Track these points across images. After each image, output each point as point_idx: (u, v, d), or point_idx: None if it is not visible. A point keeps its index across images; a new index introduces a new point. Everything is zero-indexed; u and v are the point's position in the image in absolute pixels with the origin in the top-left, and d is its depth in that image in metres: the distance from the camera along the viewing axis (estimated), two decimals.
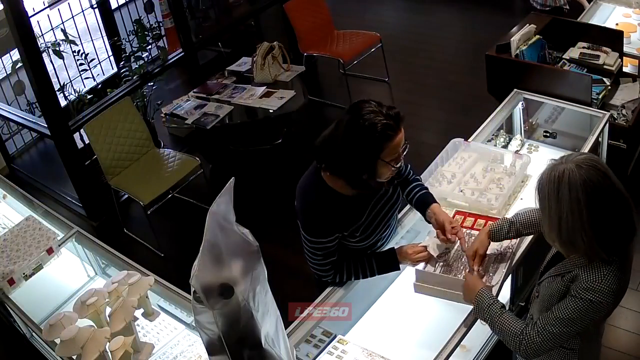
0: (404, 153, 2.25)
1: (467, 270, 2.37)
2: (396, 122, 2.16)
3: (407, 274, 2.67)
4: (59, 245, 3.08)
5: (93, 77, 5.41)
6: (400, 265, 2.49)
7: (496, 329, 2.07)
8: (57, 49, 4.98)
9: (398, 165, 2.24)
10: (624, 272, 1.88)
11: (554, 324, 1.90)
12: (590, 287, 1.83)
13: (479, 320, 2.25)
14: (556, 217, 1.79)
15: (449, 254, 2.47)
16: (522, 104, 3.58)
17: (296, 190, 2.37)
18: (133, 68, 4.86)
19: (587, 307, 1.84)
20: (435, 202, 2.53)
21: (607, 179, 1.78)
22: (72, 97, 4.92)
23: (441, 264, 2.45)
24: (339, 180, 2.27)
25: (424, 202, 2.53)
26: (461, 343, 2.33)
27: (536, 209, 2.29)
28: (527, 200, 2.91)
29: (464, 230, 2.62)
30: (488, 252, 2.43)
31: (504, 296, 2.70)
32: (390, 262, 2.47)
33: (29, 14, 4.06)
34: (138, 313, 2.56)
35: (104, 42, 5.72)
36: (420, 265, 2.45)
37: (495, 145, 3.39)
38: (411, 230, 2.80)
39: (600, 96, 3.67)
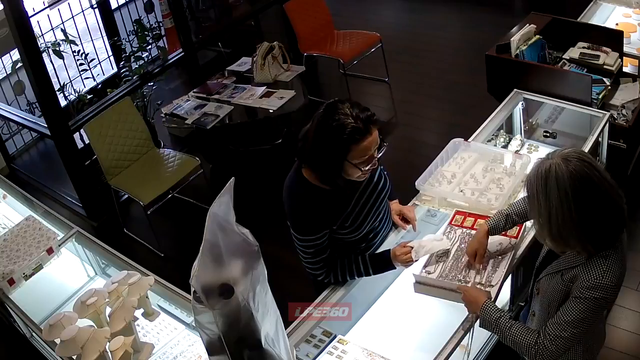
0: (380, 154, 2.25)
1: (463, 279, 2.36)
2: (365, 126, 2.15)
3: (407, 274, 2.66)
4: (59, 245, 3.08)
5: (93, 77, 5.41)
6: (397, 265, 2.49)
7: (508, 341, 2.06)
8: (57, 49, 4.98)
9: (367, 168, 2.22)
10: (622, 260, 1.89)
11: (565, 329, 1.90)
12: (593, 285, 1.84)
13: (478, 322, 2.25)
14: (546, 213, 1.79)
15: (446, 262, 2.47)
16: (522, 104, 3.58)
17: (283, 191, 2.38)
18: (133, 68, 4.86)
19: (594, 305, 1.86)
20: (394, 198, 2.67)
21: (594, 170, 1.77)
22: (72, 97, 4.92)
23: (442, 264, 2.45)
24: (317, 176, 2.29)
25: None
26: (461, 343, 2.33)
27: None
28: None
29: (464, 230, 2.62)
30: (490, 250, 2.43)
31: (504, 296, 2.70)
32: (385, 263, 2.46)
33: (29, 14, 4.06)
34: (138, 313, 2.56)
35: (104, 42, 5.72)
36: (418, 271, 2.46)
37: (495, 145, 3.39)
38: (410, 229, 2.79)
39: (600, 96, 3.67)
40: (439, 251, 2.48)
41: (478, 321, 2.19)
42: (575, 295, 1.88)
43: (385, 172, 2.56)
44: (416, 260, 2.44)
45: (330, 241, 2.40)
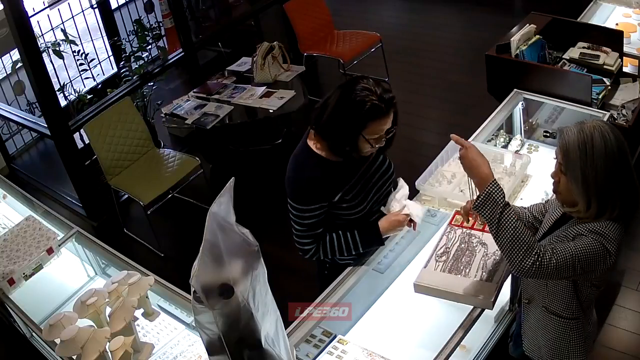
0: (389, 135, 2.33)
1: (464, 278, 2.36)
2: (387, 106, 2.25)
3: (407, 274, 2.67)
4: (59, 245, 3.08)
5: (93, 77, 5.41)
6: (384, 239, 2.52)
7: (507, 235, 1.90)
8: (57, 49, 4.98)
9: (378, 145, 2.31)
10: (622, 233, 1.94)
11: (569, 252, 1.89)
12: (596, 230, 1.89)
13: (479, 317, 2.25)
14: (593, 171, 1.85)
15: (447, 261, 2.47)
16: (522, 104, 3.58)
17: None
18: (133, 68, 4.86)
19: (597, 247, 1.88)
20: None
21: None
22: (72, 97, 4.92)
23: (441, 264, 2.45)
24: (324, 145, 2.33)
25: None
26: (461, 343, 2.33)
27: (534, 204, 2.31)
28: (527, 201, 2.91)
29: (464, 230, 2.62)
30: (489, 250, 2.43)
31: (504, 296, 2.70)
32: (373, 233, 2.46)
33: (29, 14, 4.06)
34: (138, 313, 2.56)
35: (104, 42, 5.73)
36: (417, 271, 2.46)
37: (495, 145, 3.39)
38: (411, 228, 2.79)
39: (600, 96, 3.67)
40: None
41: (477, 199, 1.96)
42: (582, 234, 1.92)
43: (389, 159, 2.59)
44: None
45: (331, 218, 2.42)
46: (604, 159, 1.84)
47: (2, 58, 5.17)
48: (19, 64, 4.60)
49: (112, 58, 5.73)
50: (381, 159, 2.51)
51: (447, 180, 2.99)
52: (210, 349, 1.79)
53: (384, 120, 2.26)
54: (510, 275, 2.53)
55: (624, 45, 3.95)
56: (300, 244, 2.46)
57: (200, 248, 1.63)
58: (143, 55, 5.04)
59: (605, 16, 4.58)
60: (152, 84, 5.07)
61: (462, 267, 2.42)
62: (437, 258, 2.48)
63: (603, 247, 1.88)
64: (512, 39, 3.76)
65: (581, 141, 1.85)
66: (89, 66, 5.19)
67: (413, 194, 2.97)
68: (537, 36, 3.84)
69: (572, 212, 1.98)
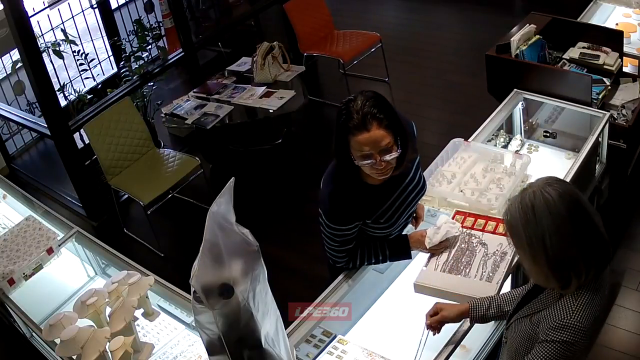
0: (389, 158, 2.14)
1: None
2: (362, 120, 2.08)
3: (407, 274, 2.67)
4: (59, 245, 3.08)
5: (93, 77, 5.41)
6: (412, 253, 2.50)
7: None
8: (57, 49, 4.98)
9: (364, 163, 2.14)
10: (598, 303, 1.70)
11: None
12: (558, 325, 1.67)
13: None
14: (540, 240, 1.62)
15: (446, 262, 2.47)
16: (522, 104, 3.58)
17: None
18: (133, 68, 4.86)
19: (560, 350, 1.67)
20: None
21: (577, 191, 1.67)
22: (72, 97, 4.92)
23: (441, 264, 2.45)
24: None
25: None
26: (461, 343, 2.33)
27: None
28: None
29: (464, 230, 2.62)
30: (489, 250, 2.43)
31: None
32: (402, 249, 2.48)
33: (29, 14, 4.06)
34: (138, 313, 2.56)
35: (104, 42, 5.73)
36: (417, 271, 2.46)
37: (495, 145, 3.39)
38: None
39: (600, 96, 3.67)
40: (452, 237, 2.49)
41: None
42: (540, 340, 1.71)
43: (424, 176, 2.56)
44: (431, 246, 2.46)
45: (359, 232, 2.40)
46: (550, 222, 1.60)
47: (2, 58, 5.17)
48: (19, 64, 4.60)
49: (112, 58, 5.73)
50: (417, 177, 2.45)
51: (447, 180, 2.99)
52: (210, 349, 1.79)
53: (361, 136, 2.09)
54: (510, 275, 2.54)
55: (624, 45, 3.95)
56: (332, 255, 2.47)
57: (200, 248, 1.63)
58: (143, 55, 5.05)
59: (605, 16, 4.58)
60: (152, 84, 5.07)
61: (462, 267, 2.42)
62: (436, 258, 2.49)
63: (564, 345, 1.66)
64: (512, 39, 3.76)
65: (522, 209, 1.63)
66: (89, 66, 5.19)
67: None
68: (537, 36, 3.84)
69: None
